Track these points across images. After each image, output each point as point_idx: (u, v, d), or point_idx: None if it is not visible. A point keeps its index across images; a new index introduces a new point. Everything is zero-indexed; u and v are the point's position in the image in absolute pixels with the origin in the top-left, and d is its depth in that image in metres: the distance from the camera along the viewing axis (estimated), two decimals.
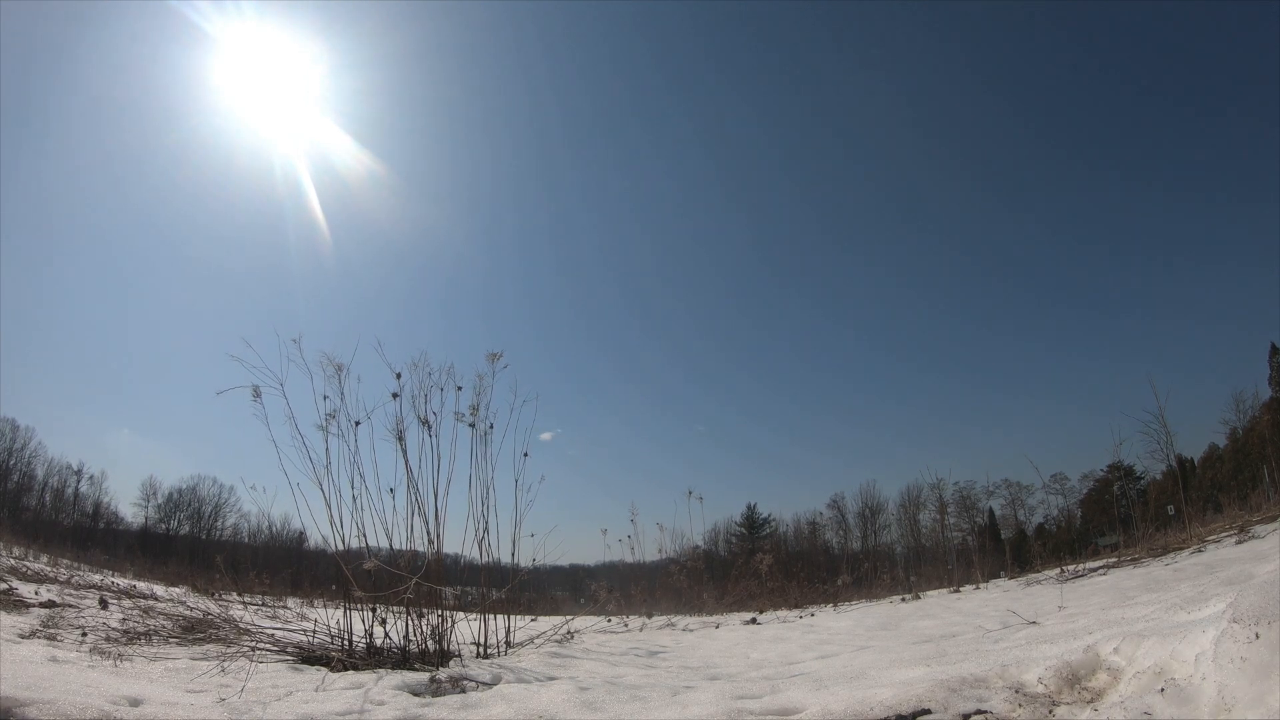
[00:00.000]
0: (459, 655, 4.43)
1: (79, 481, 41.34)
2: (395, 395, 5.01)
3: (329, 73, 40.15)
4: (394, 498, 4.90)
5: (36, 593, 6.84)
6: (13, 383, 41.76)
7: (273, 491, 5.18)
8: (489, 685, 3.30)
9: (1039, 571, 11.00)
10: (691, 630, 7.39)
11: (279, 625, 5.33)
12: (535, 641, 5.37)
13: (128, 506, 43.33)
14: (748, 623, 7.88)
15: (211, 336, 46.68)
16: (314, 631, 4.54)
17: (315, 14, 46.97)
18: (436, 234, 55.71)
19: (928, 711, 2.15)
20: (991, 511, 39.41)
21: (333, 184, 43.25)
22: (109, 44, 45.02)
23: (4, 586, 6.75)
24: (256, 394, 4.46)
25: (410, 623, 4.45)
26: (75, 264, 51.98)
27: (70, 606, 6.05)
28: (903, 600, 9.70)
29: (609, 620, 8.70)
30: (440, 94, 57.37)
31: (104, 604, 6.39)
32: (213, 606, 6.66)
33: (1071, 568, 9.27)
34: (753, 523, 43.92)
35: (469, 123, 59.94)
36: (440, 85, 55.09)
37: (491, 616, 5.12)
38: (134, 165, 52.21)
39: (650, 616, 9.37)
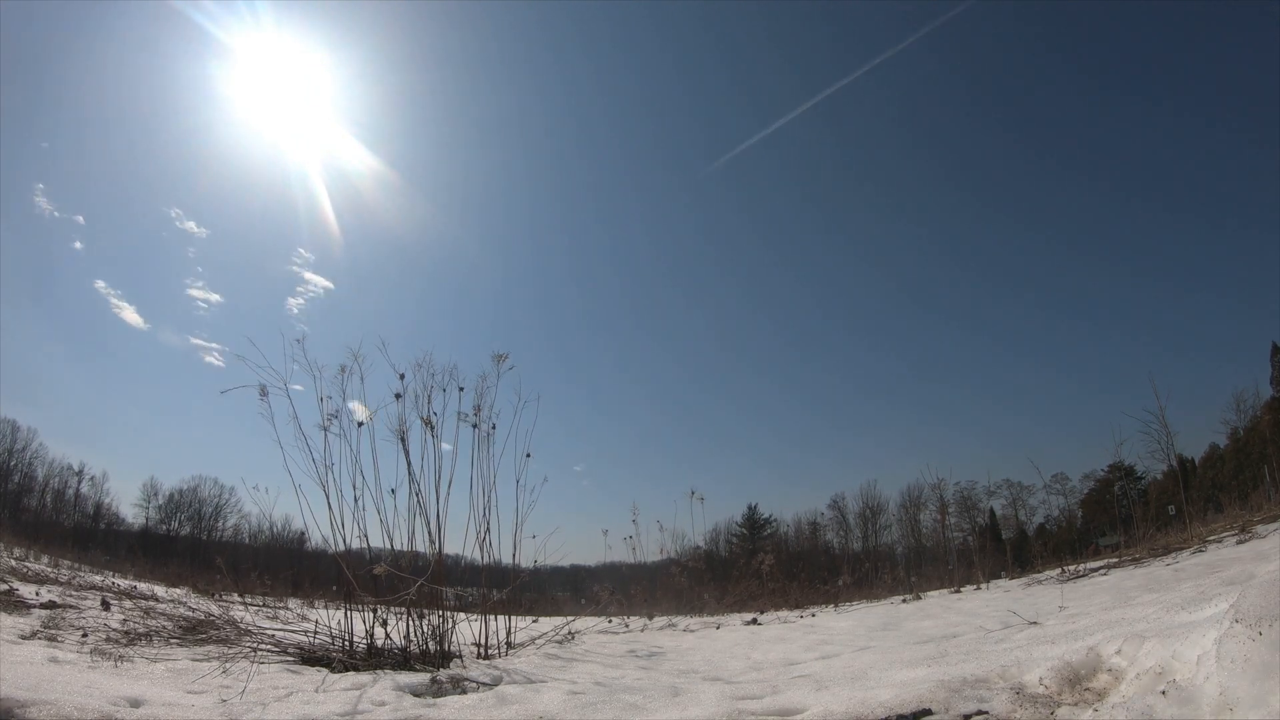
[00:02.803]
0: (460, 656, 4.42)
1: (80, 482, 41.43)
2: (398, 396, 5.02)
3: (343, 81, 40.63)
4: (395, 499, 4.91)
5: (37, 594, 6.84)
6: (14, 384, 41.88)
7: (274, 492, 5.20)
8: (490, 686, 3.30)
9: (1040, 572, 10.98)
10: (692, 631, 7.39)
11: (280, 626, 5.33)
12: (536, 642, 5.36)
13: (128, 507, 43.45)
14: (749, 623, 7.88)
15: (221, 339, 46.91)
16: (315, 632, 4.54)
17: (330, 23, 47.31)
18: (446, 238, 56.09)
19: (929, 712, 2.15)
20: (992, 511, 39.41)
21: (345, 190, 43.85)
22: (128, 53, 45.65)
23: (5, 587, 6.75)
24: (263, 393, 4.47)
25: (411, 624, 4.45)
26: (87, 267, 52.27)
27: (71, 607, 6.05)
28: (904, 601, 9.69)
29: (610, 621, 8.69)
30: (451, 101, 57.60)
31: (106, 605, 6.39)
32: (213, 607, 6.66)
33: (1072, 568, 9.26)
34: (754, 523, 43.90)
35: (479, 128, 60.59)
36: (451, 92, 55.35)
37: (492, 617, 5.12)
38: (150, 171, 52.73)
39: (651, 617, 9.36)
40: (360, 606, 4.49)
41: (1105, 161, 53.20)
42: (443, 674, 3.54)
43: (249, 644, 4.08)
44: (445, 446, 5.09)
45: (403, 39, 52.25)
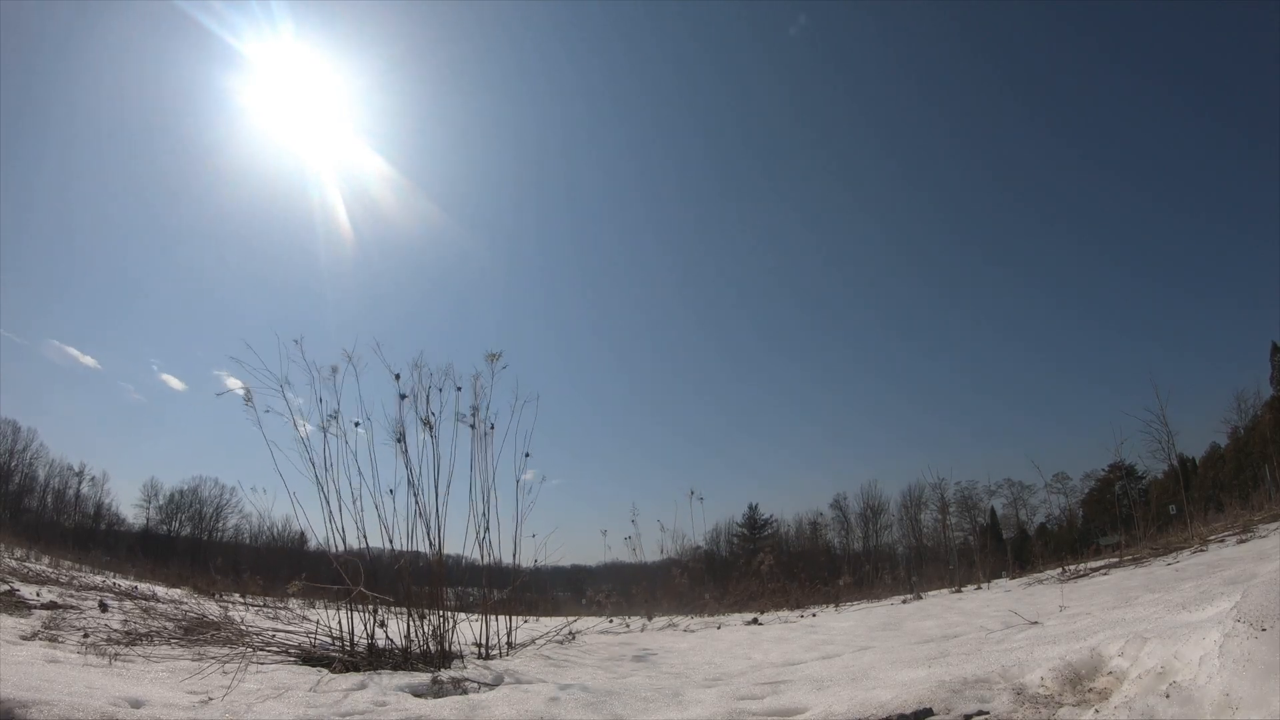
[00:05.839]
0: (460, 656, 4.42)
1: (80, 483, 41.44)
2: (404, 396, 5.01)
3: (359, 90, 41.10)
4: (394, 499, 4.90)
5: (38, 594, 6.84)
6: (15, 384, 42.01)
7: (273, 493, 5.20)
8: (491, 686, 3.30)
9: (1041, 571, 10.97)
10: (693, 631, 7.38)
11: (280, 626, 5.33)
12: (537, 642, 5.36)
13: (129, 508, 43.47)
14: (749, 623, 7.87)
15: (228, 342, 47.11)
16: (315, 633, 4.53)
17: (348, 32, 47.56)
18: (455, 243, 56.26)
19: (930, 712, 2.15)
20: (993, 511, 39.43)
21: (360, 198, 44.48)
22: (147, 66, 46.60)
23: (6, 588, 6.75)
24: (248, 398, 4.47)
25: (411, 624, 4.44)
26: (103, 271, 52.69)
27: (72, 608, 6.05)
28: (904, 601, 9.69)
29: (610, 621, 8.69)
30: (462, 107, 57.78)
31: (104, 607, 6.39)
32: (214, 608, 6.66)
33: (1073, 567, 9.25)
34: (754, 523, 43.88)
35: (494, 137, 61.04)
36: (466, 102, 55.35)
37: (493, 617, 5.11)
38: (170, 182, 53.19)
39: (651, 617, 9.36)
40: (360, 607, 4.48)
41: (1106, 159, 53.25)
42: (443, 674, 3.54)
43: (249, 644, 4.08)
44: (444, 446, 5.09)
45: (419, 46, 52.80)
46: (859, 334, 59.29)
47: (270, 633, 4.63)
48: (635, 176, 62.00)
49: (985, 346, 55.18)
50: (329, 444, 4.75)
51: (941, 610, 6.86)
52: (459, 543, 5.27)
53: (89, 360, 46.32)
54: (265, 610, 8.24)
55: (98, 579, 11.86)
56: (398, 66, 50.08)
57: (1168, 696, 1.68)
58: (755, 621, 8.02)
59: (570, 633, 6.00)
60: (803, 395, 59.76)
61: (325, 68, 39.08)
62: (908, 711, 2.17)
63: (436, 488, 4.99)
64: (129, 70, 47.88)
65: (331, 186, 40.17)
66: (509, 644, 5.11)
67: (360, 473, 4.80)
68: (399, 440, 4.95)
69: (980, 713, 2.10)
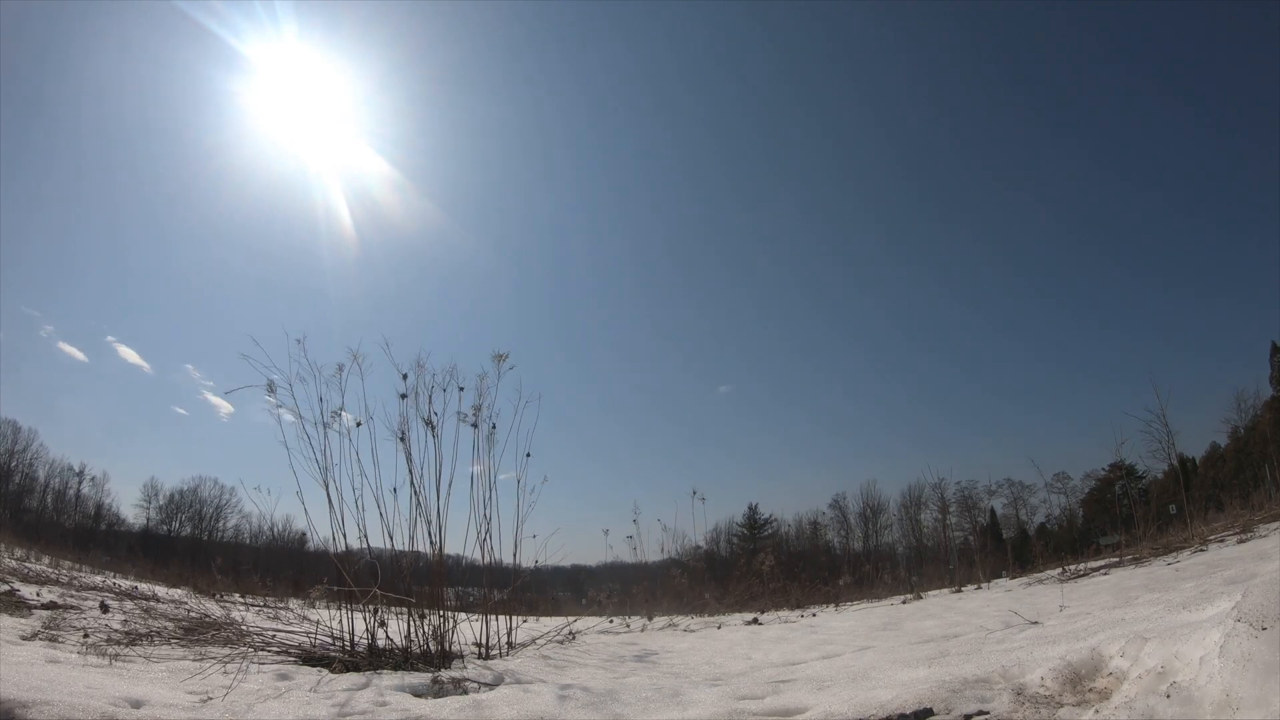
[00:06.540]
0: (461, 656, 4.42)
1: (80, 483, 41.44)
2: (403, 396, 5.02)
3: (363, 93, 41.27)
4: (396, 499, 4.91)
5: (38, 594, 6.84)
6: (15, 384, 42.03)
7: (274, 493, 5.21)
8: (491, 686, 3.30)
9: (1041, 571, 10.97)
10: (693, 631, 7.39)
11: (281, 627, 5.33)
12: (537, 642, 5.36)
13: (129, 508, 43.47)
14: (749, 623, 7.87)
15: (229, 341, 47.19)
16: (315, 633, 4.54)
17: (351, 34, 47.32)
18: (460, 244, 56.29)
19: (930, 712, 2.15)
20: (993, 511, 39.43)
21: (363, 200, 44.81)
22: (151, 71, 46.77)
23: (6, 588, 6.75)
24: (271, 389, 4.49)
25: (412, 624, 4.45)
26: (110, 274, 52.85)
27: (72, 608, 6.05)
28: (904, 600, 9.69)
29: (611, 621, 8.70)
30: (468, 112, 57.58)
31: (104, 607, 6.39)
32: (214, 608, 6.66)
33: (1073, 567, 9.24)
34: (754, 523, 43.86)
35: (496, 139, 61.14)
36: (468, 103, 55.12)
37: (493, 617, 5.11)
38: (169, 181, 53.48)
39: (652, 617, 9.36)
40: (360, 607, 4.49)
41: (1107, 159, 53.22)
42: (444, 674, 3.54)
43: (249, 644, 4.08)
44: (445, 446, 5.09)
45: (421, 48, 52.84)
46: (860, 333, 59.32)
47: (271, 633, 4.63)
48: (638, 175, 62.17)
49: (986, 345, 55.15)
50: (330, 443, 4.76)
51: (941, 610, 6.86)
52: (460, 542, 5.28)
53: None
54: (266, 610, 8.24)
55: (98, 579, 11.86)
56: (400, 68, 50.16)
57: (1168, 696, 1.68)
58: (755, 621, 8.02)
59: (571, 633, 6.00)
60: (803, 393, 59.73)
61: (328, 70, 39.06)
62: (908, 711, 2.17)
63: (438, 487, 5.00)
64: (131, 72, 47.96)
65: (334, 188, 40.35)
66: (509, 644, 5.11)
67: (363, 473, 4.81)
68: (401, 440, 4.96)
69: (980, 713, 2.10)
